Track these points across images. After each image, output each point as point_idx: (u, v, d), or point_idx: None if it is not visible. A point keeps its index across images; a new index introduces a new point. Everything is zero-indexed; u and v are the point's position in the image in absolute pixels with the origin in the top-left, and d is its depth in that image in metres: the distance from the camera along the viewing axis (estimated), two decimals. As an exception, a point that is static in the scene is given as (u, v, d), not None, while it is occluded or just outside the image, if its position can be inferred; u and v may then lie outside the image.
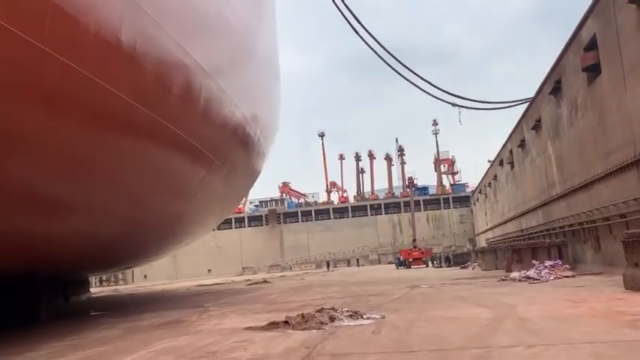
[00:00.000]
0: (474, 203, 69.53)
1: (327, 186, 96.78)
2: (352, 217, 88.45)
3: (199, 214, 18.95)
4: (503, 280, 16.81)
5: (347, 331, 7.88)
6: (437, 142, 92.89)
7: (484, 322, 7.51)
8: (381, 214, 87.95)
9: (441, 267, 43.41)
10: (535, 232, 27.34)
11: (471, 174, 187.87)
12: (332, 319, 9.02)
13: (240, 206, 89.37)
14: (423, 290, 15.76)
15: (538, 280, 15.47)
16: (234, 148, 16.81)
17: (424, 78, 32.42)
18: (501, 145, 37.60)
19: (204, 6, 12.22)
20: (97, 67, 8.09)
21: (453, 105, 32.68)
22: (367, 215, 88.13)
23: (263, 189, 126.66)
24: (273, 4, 23.37)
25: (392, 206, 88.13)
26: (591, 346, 5.27)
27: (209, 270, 79.93)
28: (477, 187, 63.74)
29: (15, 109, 7.49)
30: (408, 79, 32.33)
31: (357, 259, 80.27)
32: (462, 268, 35.10)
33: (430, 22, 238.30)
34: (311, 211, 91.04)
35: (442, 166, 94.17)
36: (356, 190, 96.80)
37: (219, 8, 13.58)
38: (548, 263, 17.58)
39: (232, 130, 15.33)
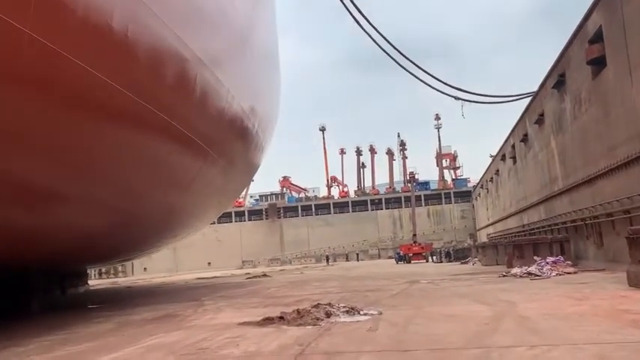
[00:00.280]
0: (476, 198, 69.27)
1: (327, 180, 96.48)
2: (352, 211, 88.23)
3: (197, 207, 18.72)
4: (504, 276, 16.58)
5: (343, 327, 7.67)
6: (439, 136, 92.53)
7: (484, 321, 7.27)
8: (381, 208, 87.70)
9: (441, 262, 43.16)
10: (537, 228, 27.09)
11: (473, 169, 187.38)
12: (328, 314, 8.81)
13: (241, 200, 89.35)
14: (422, 286, 15.54)
15: (540, 276, 15.23)
16: (232, 140, 16.56)
17: (427, 71, 32.07)
18: (503, 139, 37.32)
19: (200, -5, 11.96)
20: (86, 53, 7.82)
21: (456, 98, 32.29)
22: (368, 210, 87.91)
23: (263, 183, 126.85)
24: (273, -4, 23.08)
25: (393, 201, 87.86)
26: (596, 347, 5.04)
27: (209, 263, 79.96)
28: (478, 182, 63.46)
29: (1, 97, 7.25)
30: (410, 72, 31.97)
31: (357, 254, 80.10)
32: (462, 263, 34.85)
33: (433, 17, 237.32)
34: (311, 205, 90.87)
35: (444, 160, 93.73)
36: (357, 185, 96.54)
37: (217, -2, 13.31)
38: (550, 259, 17.36)
39: (229, 121, 15.07)
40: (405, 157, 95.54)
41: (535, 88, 25.84)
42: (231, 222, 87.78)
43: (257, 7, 18.66)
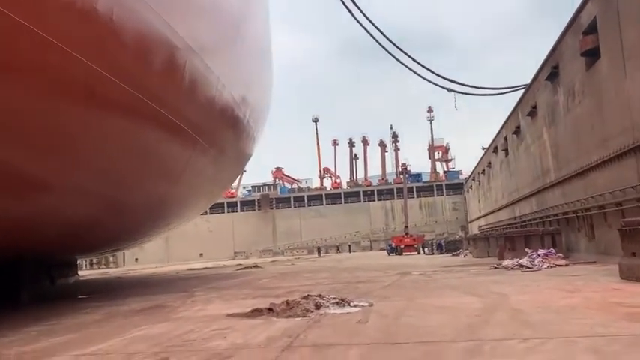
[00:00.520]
0: (467, 190, 69.42)
1: (320, 172, 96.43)
2: (345, 203, 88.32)
3: (187, 197, 18.53)
4: (496, 267, 16.54)
5: (333, 319, 7.55)
6: (431, 129, 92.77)
7: (475, 313, 7.18)
8: (374, 200, 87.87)
9: (433, 254, 43.25)
10: (528, 220, 27.12)
11: (465, 161, 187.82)
12: (318, 306, 8.69)
13: (233, 191, 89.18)
14: (414, 277, 15.48)
15: (531, 268, 15.20)
16: (222, 129, 16.34)
17: (420, 62, 32.00)
18: (496, 132, 37.28)
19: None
20: (70, 37, 7.59)
21: (449, 90, 32.29)
22: (360, 201, 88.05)
23: (256, 174, 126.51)
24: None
25: (385, 193, 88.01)
26: (589, 340, 4.94)
27: (201, 254, 79.83)
28: (470, 175, 63.57)
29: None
30: (403, 63, 31.88)
31: (349, 245, 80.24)
32: (453, 255, 34.90)
33: (428, 10, 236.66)
34: (304, 196, 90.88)
35: (436, 153, 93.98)
36: (349, 176, 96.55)
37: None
38: (541, 251, 17.35)
39: (220, 110, 14.85)
40: (397, 149, 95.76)
41: (528, 82, 25.76)
42: (224, 213, 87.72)
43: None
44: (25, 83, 7.71)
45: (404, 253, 47.61)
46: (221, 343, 6.13)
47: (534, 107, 24.13)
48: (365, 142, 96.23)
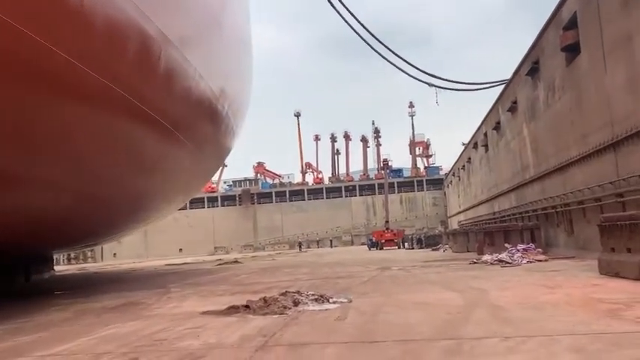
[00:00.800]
0: (447, 186, 69.83)
1: (302, 167, 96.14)
2: (327, 198, 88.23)
3: (163, 190, 18.15)
4: (475, 262, 16.51)
5: (310, 316, 7.36)
6: (412, 124, 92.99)
7: (455, 309, 7.03)
8: (355, 195, 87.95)
9: (413, 249, 43.42)
10: (508, 215, 27.23)
11: (445, 157, 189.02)
12: (296, 303, 8.49)
13: (214, 186, 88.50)
14: (394, 272, 15.36)
15: (510, 263, 15.19)
16: (200, 121, 15.99)
17: (402, 57, 31.93)
18: (476, 128, 37.40)
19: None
20: (36, 22, 7.23)
21: (430, 85, 32.31)
22: (342, 197, 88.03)
23: (237, 169, 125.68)
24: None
25: (366, 188, 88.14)
26: (572, 338, 4.81)
27: (180, 249, 79.11)
28: (450, 170, 63.89)
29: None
30: (385, 58, 31.78)
31: (331, 240, 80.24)
32: (433, 250, 35.02)
33: (410, 6, 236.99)
34: (285, 191, 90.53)
35: (417, 148, 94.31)
36: (331, 172, 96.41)
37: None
38: (520, 247, 17.36)
39: (197, 102, 14.51)
40: (379, 145, 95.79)
41: (509, 77, 25.79)
42: (204, 207, 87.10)
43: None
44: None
45: (384, 248, 47.76)
46: (193, 343, 5.90)
47: (515, 103, 24.17)
48: (347, 137, 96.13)
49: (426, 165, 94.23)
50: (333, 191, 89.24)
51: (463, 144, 49.76)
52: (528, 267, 13.99)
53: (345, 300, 8.81)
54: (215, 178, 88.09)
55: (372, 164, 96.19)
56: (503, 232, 20.22)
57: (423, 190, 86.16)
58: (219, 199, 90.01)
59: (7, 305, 13.08)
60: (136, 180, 14.45)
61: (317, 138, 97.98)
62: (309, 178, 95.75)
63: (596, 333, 4.96)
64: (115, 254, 74.97)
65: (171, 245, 78.25)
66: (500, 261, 15.68)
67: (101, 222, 16.99)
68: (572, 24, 15.88)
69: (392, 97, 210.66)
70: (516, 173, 25.38)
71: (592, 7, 14.33)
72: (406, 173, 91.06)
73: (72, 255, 68.59)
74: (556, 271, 11.80)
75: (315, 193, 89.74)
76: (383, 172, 68.80)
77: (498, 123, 28.65)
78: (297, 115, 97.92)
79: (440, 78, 33.38)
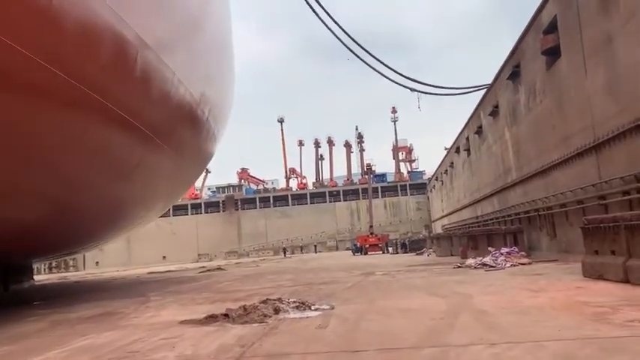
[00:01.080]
0: (431, 190, 70.05)
1: (286, 172, 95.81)
2: (311, 203, 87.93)
3: (142, 197, 17.77)
4: (459, 267, 16.44)
5: (291, 325, 7.15)
6: (395, 129, 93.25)
7: (439, 315, 6.88)
8: (339, 200, 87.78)
9: (397, 253, 43.37)
10: (490, 219, 27.28)
11: (428, 162, 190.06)
12: (277, 310, 8.27)
13: (197, 192, 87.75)
14: (377, 278, 15.20)
15: (494, 267, 15.12)
16: (179, 126, 15.69)
17: (384, 62, 31.88)
18: (458, 132, 37.53)
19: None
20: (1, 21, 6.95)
21: (412, 90, 32.26)
22: (326, 202, 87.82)
23: (221, 175, 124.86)
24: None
25: (350, 193, 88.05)
26: (559, 344, 4.67)
27: (164, 257, 78.12)
28: (433, 175, 64.11)
29: None
30: (367, 63, 31.69)
31: (315, 246, 79.91)
32: (417, 254, 34.98)
33: (390, 11, 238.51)
34: (269, 197, 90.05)
35: (400, 153, 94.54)
36: (315, 177, 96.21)
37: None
38: (504, 250, 17.33)
39: (176, 107, 14.22)
40: (362, 150, 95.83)
41: (490, 81, 25.89)
42: (187, 214, 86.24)
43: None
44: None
45: (369, 253, 47.58)
46: (168, 355, 5.66)
47: (496, 107, 24.25)
48: (330, 142, 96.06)
49: (410, 170, 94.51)
50: (317, 196, 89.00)
51: (446, 148, 49.94)
52: (512, 271, 13.93)
53: (328, 307, 8.63)
54: (199, 184, 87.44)
55: (355, 169, 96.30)
56: (486, 235, 20.22)
57: (406, 195, 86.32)
58: (202, 205, 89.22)
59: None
60: (114, 186, 14.11)
61: (301, 143, 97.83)
62: (293, 184, 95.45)
63: (585, 338, 4.84)
64: (97, 262, 73.82)
65: (154, 253, 77.22)
66: (484, 265, 15.61)
67: (78, 230, 16.57)
68: (552, 27, 15.93)
69: (375, 103, 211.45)
70: (498, 177, 25.44)
71: (572, 10, 14.38)
72: (390, 178, 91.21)
73: (53, 264, 67.33)
74: (539, 275, 11.74)
75: (299, 198, 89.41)
76: (367, 176, 68.80)
77: (480, 127, 28.74)
78: (281, 121, 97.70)
79: (422, 83, 33.40)
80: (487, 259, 16.25)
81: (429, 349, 4.89)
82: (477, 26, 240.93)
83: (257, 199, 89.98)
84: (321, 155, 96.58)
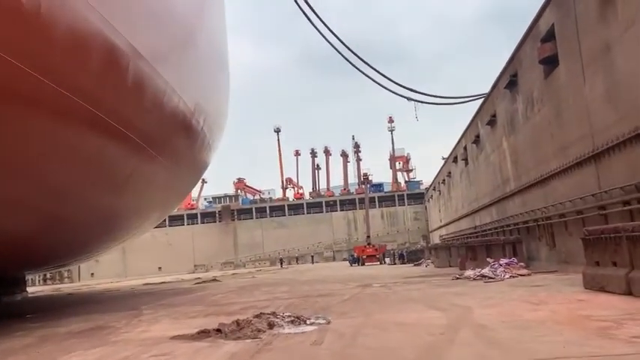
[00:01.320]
0: (428, 200, 69.84)
1: (282, 182, 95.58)
2: (307, 213, 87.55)
3: (136, 208, 17.53)
4: (458, 278, 16.21)
5: (285, 340, 6.92)
6: (392, 139, 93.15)
7: (438, 330, 6.66)
8: (336, 210, 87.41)
9: (395, 264, 43.08)
10: (489, 229, 27.08)
11: (426, 171, 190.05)
12: (271, 325, 8.03)
13: (193, 202, 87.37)
14: (374, 290, 14.96)
15: (493, 278, 14.91)
16: (174, 136, 15.51)
17: (380, 72, 31.86)
18: (456, 142, 37.43)
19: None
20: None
21: (409, 99, 32.25)
22: (322, 212, 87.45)
23: (218, 185, 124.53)
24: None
25: (347, 203, 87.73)
26: (564, 362, 4.46)
27: (159, 268, 77.51)
28: (431, 184, 63.96)
29: None
30: (364, 73, 31.71)
31: (312, 256, 79.48)
32: (415, 265, 34.72)
33: (387, 21, 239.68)
34: (266, 207, 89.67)
35: (397, 163, 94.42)
36: (311, 187, 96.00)
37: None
38: (503, 261, 17.11)
39: (170, 117, 14.05)
40: (359, 160, 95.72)
41: (488, 91, 25.81)
42: (183, 225, 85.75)
43: (204, 5, 17.77)
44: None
45: (366, 264, 47.30)
46: (156, 374, 5.43)
47: (494, 116, 24.14)
48: (327, 152, 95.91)
49: (407, 179, 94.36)
50: (314, 206, 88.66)
51: (443, 158, 49.86)
52: (511, 282, 13.72)
53: (324, 321, 8.39)
54: (195, 194, 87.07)
55: (352, 179, 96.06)
56: (485, 246, 19.99)
57: (404, 205, 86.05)
58: (198, 215, 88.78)
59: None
60: (107, 197, 13.87)
61: (297, 153, 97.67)
62: (290, 194, 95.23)
63: (589, 356, 4.63)
64: (92, 274, 73.29)
65: (150, 264, 76.67)
66: (483, 276, 15.40)
67: (71, 242, 16.30)
68: (549, 36, 15.84)
69: (372, 112, 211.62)
70: (497, 187, 25.27)
71: (570, 18, 14.29)
72: (387, 188, 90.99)
73: (47, 275, 66.80)
74: (539, 286, 11.53)
75: (296, 208, 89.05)
76: (363, 186, 68.60)
77: (478, 137, 28.62)
78: (277, 131, 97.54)
79: (419, 92, 33.40)
80: (486, 271, 16.04)
81: (428, 368, 4.68)
82: (476, 36, 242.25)
83: (253, 210, 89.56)
84: (318, 165, 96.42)
